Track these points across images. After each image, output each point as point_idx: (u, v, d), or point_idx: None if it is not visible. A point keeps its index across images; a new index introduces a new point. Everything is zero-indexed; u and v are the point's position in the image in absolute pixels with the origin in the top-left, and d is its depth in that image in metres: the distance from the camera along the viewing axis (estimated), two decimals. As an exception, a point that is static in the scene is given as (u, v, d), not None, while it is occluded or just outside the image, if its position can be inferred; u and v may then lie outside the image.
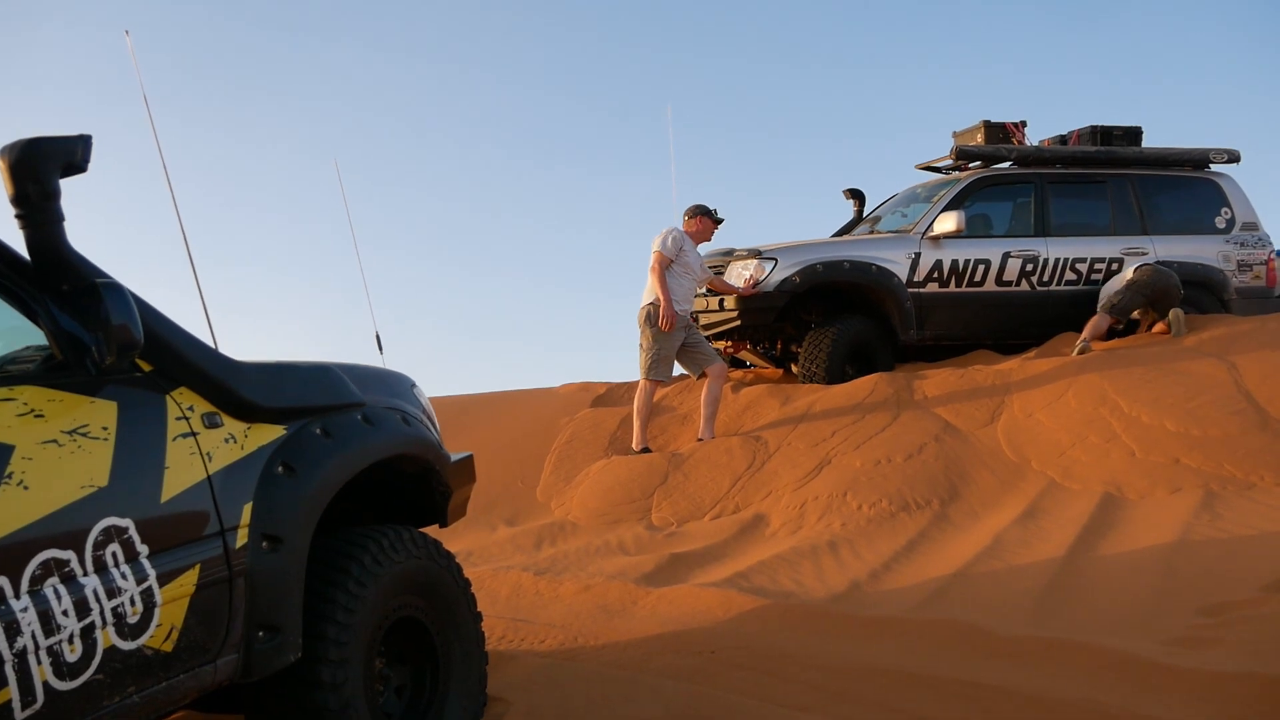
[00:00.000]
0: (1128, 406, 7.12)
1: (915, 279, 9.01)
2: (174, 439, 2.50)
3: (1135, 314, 8.84)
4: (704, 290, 8.90)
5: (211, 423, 2.64)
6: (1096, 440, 6.88)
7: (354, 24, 28.41)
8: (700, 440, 8.00)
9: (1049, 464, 6.81)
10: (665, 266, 7.91)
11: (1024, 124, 10.08)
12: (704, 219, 8.28)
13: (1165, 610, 4.30)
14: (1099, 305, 8.87)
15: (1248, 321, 8.61)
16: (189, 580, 2.43)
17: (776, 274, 8.72)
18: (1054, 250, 9.37)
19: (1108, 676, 3.66)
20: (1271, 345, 7.78)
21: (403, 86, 29.49)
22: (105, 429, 2.32)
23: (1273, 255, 9.94)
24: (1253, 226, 9.95)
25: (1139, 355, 8.02)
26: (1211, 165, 10.09)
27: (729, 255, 9.17)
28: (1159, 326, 8.80)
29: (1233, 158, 10.05)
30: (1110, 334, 8.83)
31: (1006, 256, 9.25)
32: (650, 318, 7.94)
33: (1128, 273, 8.84)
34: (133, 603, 2.26)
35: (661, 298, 7.82)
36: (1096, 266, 9.41)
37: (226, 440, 2.67)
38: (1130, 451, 6.67)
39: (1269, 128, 27.66)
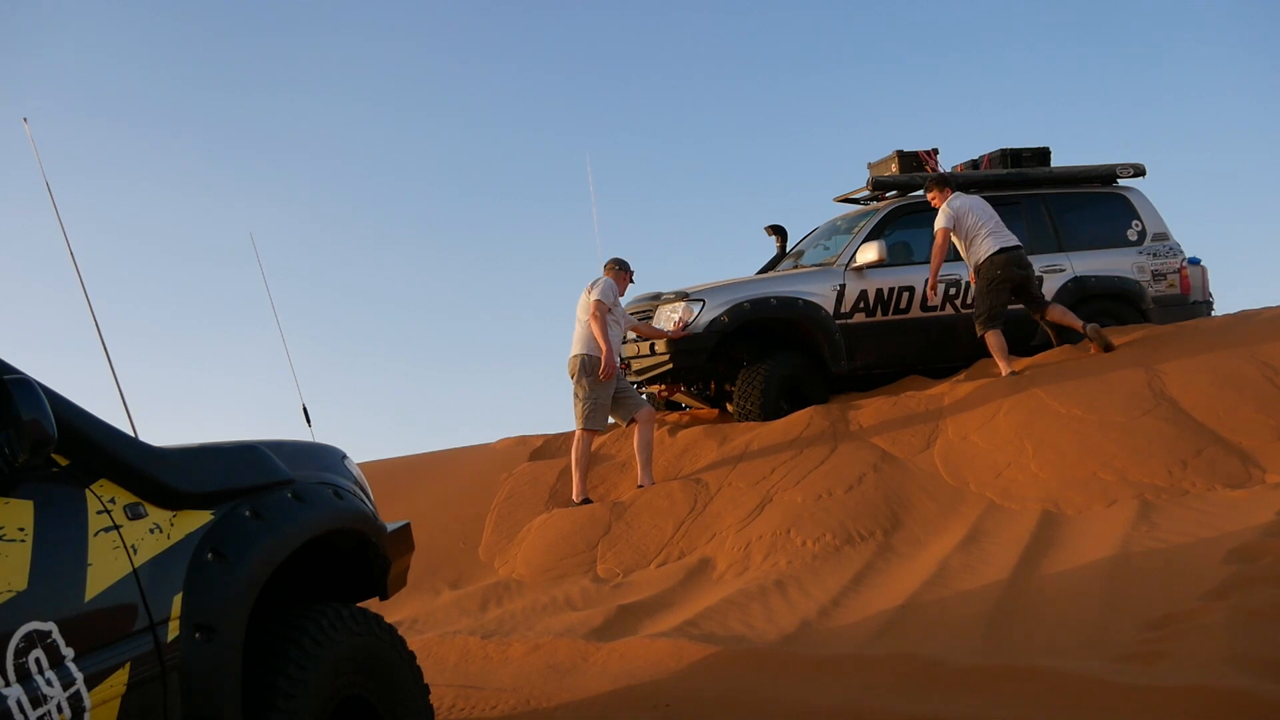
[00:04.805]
0: (1057, 422, 7.21)
1: (842, 310, 9.10)
2: (95, 534, 2.41)
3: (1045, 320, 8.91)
4: (632, 337, 8.90)
5: (135, 514, 2.55)
6: (1030, 458, 6.95)
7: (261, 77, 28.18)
8: (640, 487, 7.96)
9: (987, 485, 6.86)
10: (605, 315, 7.92)
11: (936, 151, 10.29)
12: (623, 273, 8.32)
13: (1112, 626, 4.33)
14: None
15: (1166, 329, 8.85)
16: (119, 680, 2.33)
17: (705, 315, 8.75)
18: (974, 273, 9.52)
19: (1061, 699, 3.67)
20: (1191, 351, 7.95)
21: (306, 145, 29.20)
22: (22, 530, 2.23)
23: (1184, 264, 10.23)
24: (1163, 237, 10.25)
25: (1065, 370, 8.15)
26: (1119, 180, 10.39)
27: (656, 299, 9.19)
28: (1093, 348, 8.89)
29: (1138, 171, 10.37)
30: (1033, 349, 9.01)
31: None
32: (585, 367, 7.91)
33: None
34: (60, 709, 2.16)
35: (603, 346, 7.82)
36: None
37: (152, 531, 2.57)
38: (1063, 467, 6.72)
39: (1168, 137, 28.58)
